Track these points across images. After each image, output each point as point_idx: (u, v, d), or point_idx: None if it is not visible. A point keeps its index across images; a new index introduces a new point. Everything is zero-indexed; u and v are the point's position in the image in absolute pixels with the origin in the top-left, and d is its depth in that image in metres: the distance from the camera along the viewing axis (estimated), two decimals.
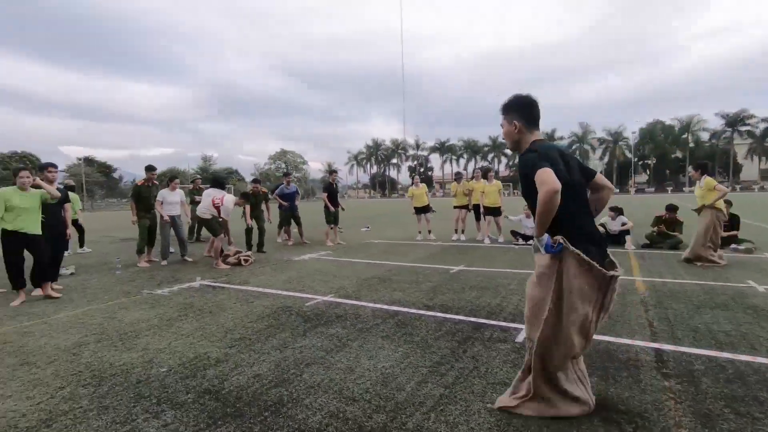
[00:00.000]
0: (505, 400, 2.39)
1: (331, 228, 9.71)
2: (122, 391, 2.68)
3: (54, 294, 5.17)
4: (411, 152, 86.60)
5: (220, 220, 7.21)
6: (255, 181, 9.23)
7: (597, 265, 2.11)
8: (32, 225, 5.02)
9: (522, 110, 2.36)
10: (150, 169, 7.45)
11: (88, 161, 60.54)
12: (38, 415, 2.41)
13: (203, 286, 5.60)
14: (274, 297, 4.96)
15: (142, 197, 7.31)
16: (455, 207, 10.23)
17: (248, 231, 8.39)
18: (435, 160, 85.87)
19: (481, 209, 9.65)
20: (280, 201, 9.58)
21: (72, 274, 6.67)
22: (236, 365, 3.03)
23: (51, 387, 2.75)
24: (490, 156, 79.66)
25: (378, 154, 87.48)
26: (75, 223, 9.40)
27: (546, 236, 2.16)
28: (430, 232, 10.26)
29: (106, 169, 64.25)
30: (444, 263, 6.89)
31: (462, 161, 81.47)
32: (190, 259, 7.56)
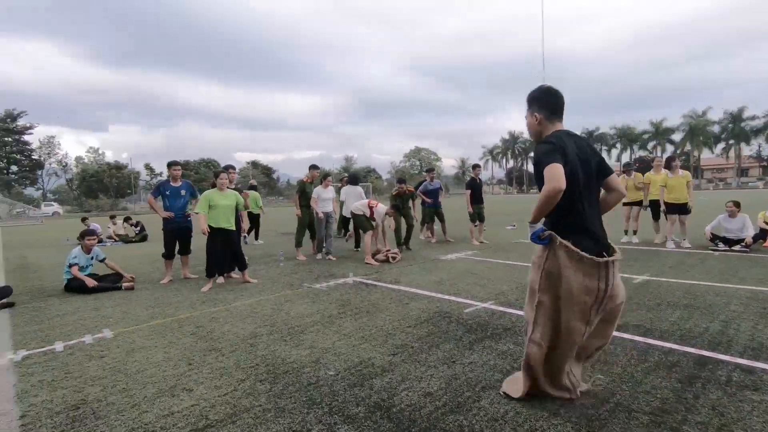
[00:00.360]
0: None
1: (475, 225, 9.16)
2: (295, 392, 2.62)
3: (251, 280, 5.90)
4: None
5: (374, 222, 7.30)
6: (400, 181, 9.17)
7: (587, 255, 2.16)
8: (229, 221, 5.73)
9: (543, 102, 2.37)
10: (314, 167, 7.85)
11: (254, 164, 70.41)
12: (224, 408, 2.47)
13: (357, 283, 5.64)
14: (428, 299, 4.68)
15: (305, 193, 7.79)
16: (625, 204, 8.73)
17: (397, 230, 8.35)
18: None
19: (662, 206, 8.01)
20: (424, 198, 9.38)
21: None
22: (403, 378, 2.76)
23: (234, 378, 2.85)
24: (650, 145, 68.85)
25: (515, 147, 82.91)
26: (257, 218, 11.00)
27: (539, 226, 2.25)
28: None
29: (267, 171, 73.88)
30: (622, 271, 5.79)
31: (614, 152, 72.17)
32: (333, 258, 7.71)
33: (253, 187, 11.19)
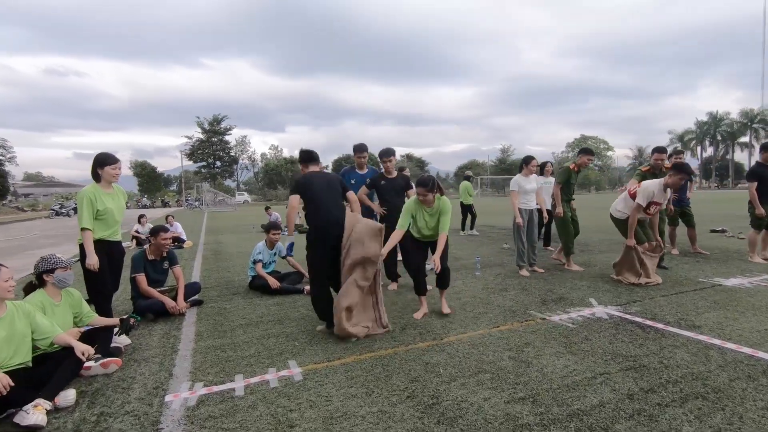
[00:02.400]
0: None
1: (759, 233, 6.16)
2: None
3: (445, 309, 4.02)
4: None
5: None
6: (660, 150, 6.32)
7: None
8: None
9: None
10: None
11: (409, 157, 71.73)
12: None
13: (615, 319, 3.72)
14: None
15: (569, 184, 6.04)
16: None
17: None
18: None
19: None
20: None
21: None
22: None
23: None
24: None
25: (718, 132, 66.55)
26: (470, 208, 10.62)
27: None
28: None
29: (420, 164, 74.63)
30: None
31: None
32: (540, 270, 5.76)
33: (467, 178, 11.06)
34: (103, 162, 3.60)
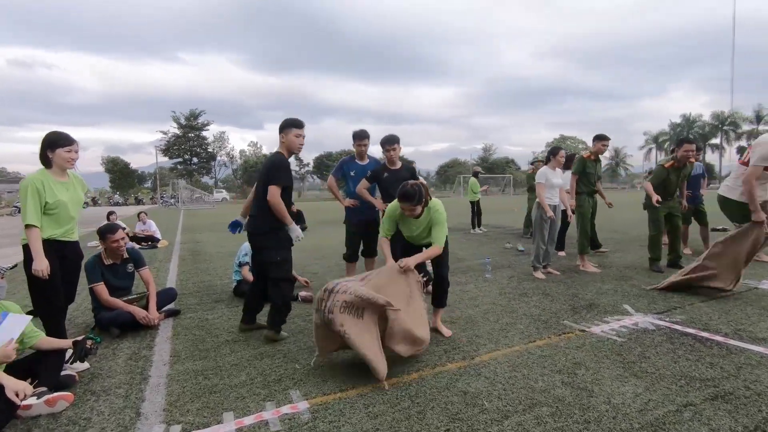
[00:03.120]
0: None
1: None
2: None
3: (446, 333, 3.26)
4: (746, 128, 63.80)
5: None
6: (686, 141, 5.64)
7: None
8: None
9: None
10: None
11: None
12: None
13: (661, 329, 3.24)
14: None
15: (587, 173, 5.59)
16: None
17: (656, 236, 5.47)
18: None
19: None
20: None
21: None
22: None
23: None
24: None
25: (691, 133, 68.42)
26: (474, 205, 10.36)
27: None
28: None
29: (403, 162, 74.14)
30: None
31: None
32: (556, 273, 5.26)
33: (475, 174, 10.97)
34: (53, 143, 2.86)
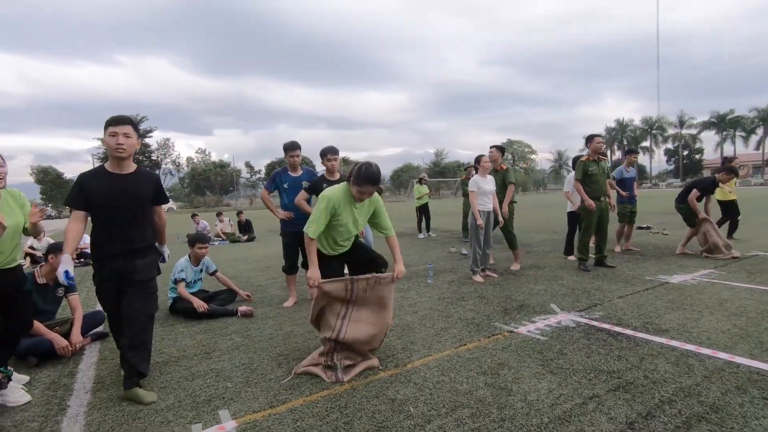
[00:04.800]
0: None
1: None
2: None
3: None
4: (671, 132, 69.63)
5: None
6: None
7: None
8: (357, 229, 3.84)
9: None
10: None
11: (345, 161, 71.03)
12: None
13: (581, 326, 3.50)
14: None
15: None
16: None
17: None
18: (708, 139, 66.55)
19: None
20: (619, 190, 6.98)
21: None
22: None
23: None
24: None
25: (624, 137, 73.67)
26: (426, 208, 10.61)
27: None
28: None
29: None
30: None
31: (754, 138, 60.90)
32: (495, 275, 5.61)
33: (419, 180, 11.24)
34: None
